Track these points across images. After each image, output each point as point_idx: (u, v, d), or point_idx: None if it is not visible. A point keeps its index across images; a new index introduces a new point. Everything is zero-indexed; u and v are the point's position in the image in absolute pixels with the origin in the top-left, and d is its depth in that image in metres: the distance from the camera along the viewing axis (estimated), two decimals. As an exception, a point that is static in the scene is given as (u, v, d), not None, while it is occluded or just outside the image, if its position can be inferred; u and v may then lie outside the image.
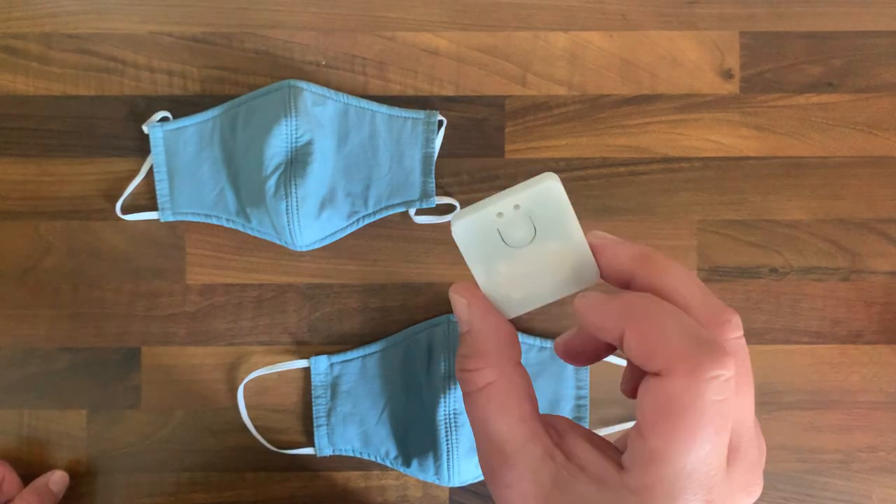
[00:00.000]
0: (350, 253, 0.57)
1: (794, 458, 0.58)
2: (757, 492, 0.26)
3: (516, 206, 0.27)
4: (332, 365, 0.56)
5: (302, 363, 0.56)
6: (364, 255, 0.58)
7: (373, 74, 0.57)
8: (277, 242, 0.56)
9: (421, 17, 0.57)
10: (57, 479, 0.55)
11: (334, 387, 0.56)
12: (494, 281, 0.28)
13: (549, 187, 0.27)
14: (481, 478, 0.55)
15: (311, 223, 0.54)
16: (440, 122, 0.57)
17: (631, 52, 0.57)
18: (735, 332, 0.25)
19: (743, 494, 0.25)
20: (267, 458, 0.57)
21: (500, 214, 0.27)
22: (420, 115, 0.56)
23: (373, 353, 0.56)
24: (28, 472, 0.56)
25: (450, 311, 0.57)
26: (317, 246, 0.56)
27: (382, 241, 0.58)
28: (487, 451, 0.27)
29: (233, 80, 0.57)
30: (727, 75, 0.58)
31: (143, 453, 0.57)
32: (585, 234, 0.28)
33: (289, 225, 0.53)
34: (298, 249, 0.56)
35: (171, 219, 0.57)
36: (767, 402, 0.57)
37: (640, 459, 0.25)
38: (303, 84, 0.55)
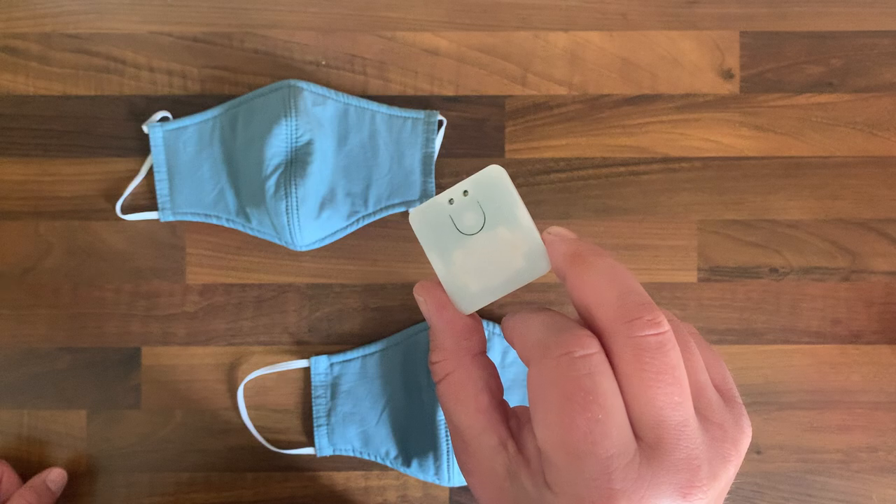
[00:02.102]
0: (350, 253, 0.58)
1: (794, 458, 0.58)
2: (698, 495, 0.24)
3: (465, 192, 0.29)
4: (332, 365, 0.56)
5: (302, 363, 0.56)
6: (364, 255, 0.58)
7: (373, 74, 0.57)
8: (277, 242, 0.56)
9: (421, 16, 0.57)
10: (55, 477, 0.55)
11: (334, 387, 0.56)
12: (451, 271, 0.29)
13: (492, 172, 0.29)
14: None
15: (310, 223, 0.54)
16: (440, 122, 0.57)
17: (631, 52, 0.57)
18: (645, 330, 0.25)
19: (673, 493, 0.24)
20: (267, 458, 0.57)
21: (451, 201, 0.29)
22: (420, 114, 0.56)
23: (373, 353, 0.56)
24: (28, 471, 0.56)
25: None
26: (317, 246, 0.56)
27: (382, 241, 0.58)
28: (452, 438, 0.29)
29: (233, 80, 0.57)
30: (727, 75, 0.58)
31: (142, 453, 0.57)
32: (543, 229, 0.29)
33: (289, 225, 0.53)
34: (298, 249, 0.56)
35: (170, 219, 0.57)
36: (768, 402, 0.58)
37: (542, 451, 0.25)
38: (303, 84, 0.55)
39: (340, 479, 0.58)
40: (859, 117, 0.58)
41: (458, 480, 0.54)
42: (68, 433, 0.57)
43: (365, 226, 0.57)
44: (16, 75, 0.57)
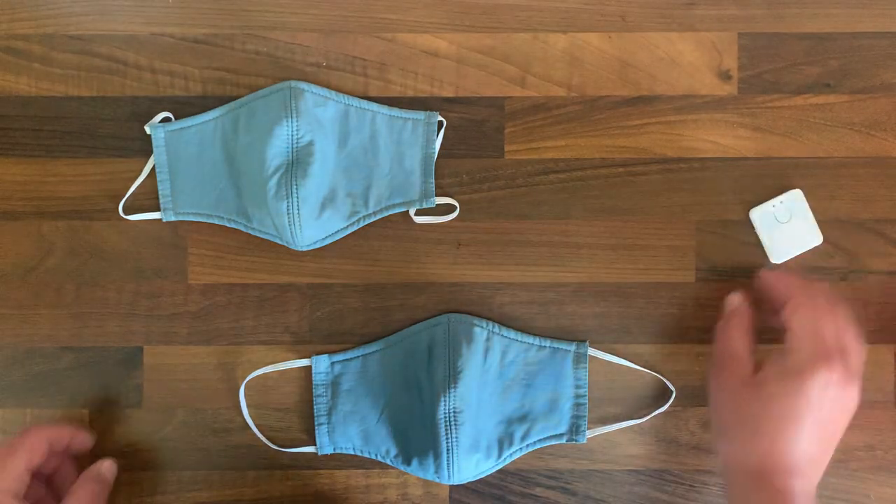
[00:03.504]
0: (350, 253, 0.58)
1: (791, 456, 0.58)
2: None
3: (781, 202, 0.57)
4: (332, 364, 0.57)
5: (303, 362, 0.57)
6: (364, 255, 0.58)
7: (373, 76, 0.58)
8: (278, 242, 0.56)
9: (421, 18, 0.58)
10: (109, 467, 0.55)
11: (335, 385, 0.57)
12: (772, 241, 0.57)
13: (794, 193, 0.57)
14: (481, 475, 0.56)
15: (311, 223, 0.54)
16: (440, 123, 0.57)
17: (630, 54, 0.58)
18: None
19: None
20: (268, 456, 0.58)
21: (773, 206, 0.57)
22: (420, 115, 0.57)
23: (373, 352, 0.57)
24: (31, 470, 0.57)
25: (450, 310, 0.57)
26: (317, 246, 0.56)
27: (383, 241, 0.58)
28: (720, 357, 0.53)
29: (234, 82, 0.58)
30: (725, 76, 0.58)
31: (144, 452, 0.58)
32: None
33: (290, 225, 0.54)
34: (299, 249, 0.56)
35: (172, 219, 0.57)
36: (765, 401, 0.58)
37: (794, 337, 0.49)
38: (304, 85, 0.55)
39: (341, 477, 0.58)
40: (857, 118, 0.58)
41: (457, 478, 0.54)
42: (71, 432, 0.58)
43: (365, 226, 0.57)
44: (18, 76, 0.58)
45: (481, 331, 0.56)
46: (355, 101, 0.57)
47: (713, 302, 0.58)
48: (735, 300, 0.54)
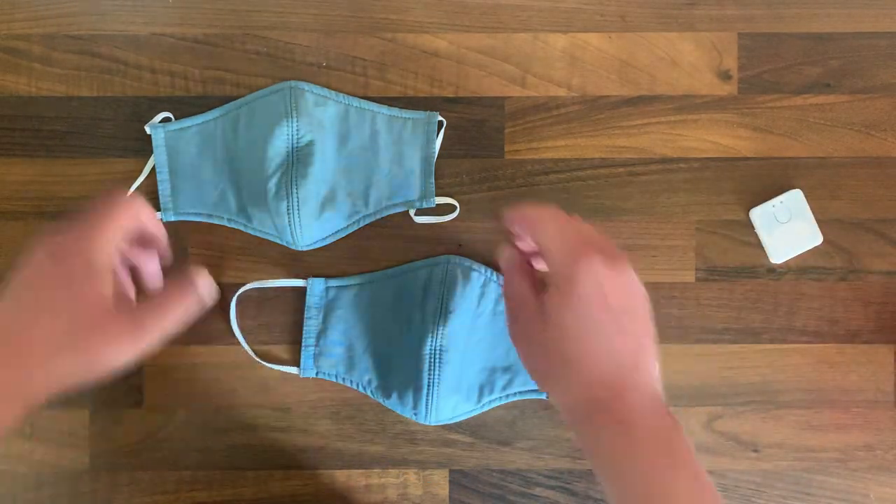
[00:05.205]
0: (350, 252, 0.58)
1: (791, 456, 0.58)
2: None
3: (781, 202, 0.57)
4: (328, 288, 0.57)
5: (298, 282, 0.57)
6: (364, 255, 0.58)
7: (373, 76, 0.58)
8: (279, 242, 0.56)
9: (421, 18, 0.58)
10: (206, 285, 0.47)
11: (327, 310, 0.57)
12: (772, 241, 0.57)
13: (794, 193, 0.57)
14: (457, 419, 0.56)
15: (311, 223, 0.54)
16: (440, 123, 0.57)
17: (630, 54, 0.58)
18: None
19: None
20: (268, 456, 0.58)
21: (773, 206, 0.56)
22: (420, 115, 0.57)
23: (369, 282, 0.57)
24: (30, 470, 0.57)
25: (450, 252, 0.56)
26: (318, 246, 0.56)
27: (383, 240, 0.58)
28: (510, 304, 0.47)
29: (234, 82, 0.58)
30: (725, 76, 0.58)
31: (144, 452, 0.58)
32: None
33: (290, 225, 0.54)
34: (299, 249, 0.56)
35: (173, 219, 0.57)
36: (765, 401, 0.58)
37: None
38: (304, 85, 0.55)
39: (341, 476, 0.58)
40: (856, 118, 0.58)
41: (434, 417, 0.54)
42: (71, 432, 0.58)
43: (365, 226, 0.57)
44: (18, 76, 0.58)
45: (479, 275, 0.56)
46: (355, 101, 0.57)
47: (713, 302, 0.58)
48: (506, 252, 0.48)
